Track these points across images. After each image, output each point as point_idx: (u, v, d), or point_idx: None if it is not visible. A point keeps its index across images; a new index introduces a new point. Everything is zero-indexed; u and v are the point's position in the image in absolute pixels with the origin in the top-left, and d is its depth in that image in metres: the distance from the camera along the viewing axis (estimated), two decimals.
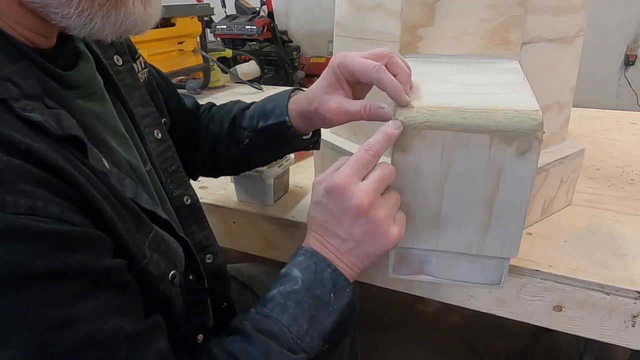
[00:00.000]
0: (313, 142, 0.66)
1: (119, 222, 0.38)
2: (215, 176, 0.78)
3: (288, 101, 0.62)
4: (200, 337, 0.54)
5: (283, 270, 0.50)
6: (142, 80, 0.58)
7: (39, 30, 0.40)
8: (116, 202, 0.39)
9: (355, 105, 0.53)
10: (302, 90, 0.65)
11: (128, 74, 0.55)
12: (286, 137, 0.63)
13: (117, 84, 0.52)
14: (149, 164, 0.53)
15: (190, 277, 0.52)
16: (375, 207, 0.47)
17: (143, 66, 0.60)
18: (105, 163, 0.40)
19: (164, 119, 0.60)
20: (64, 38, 0.44)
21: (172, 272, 0.46)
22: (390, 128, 0.47)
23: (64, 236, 0.33)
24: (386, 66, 0.50)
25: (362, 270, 0.51)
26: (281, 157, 0.71)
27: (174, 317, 0.48)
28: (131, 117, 0.53)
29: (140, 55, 0.60)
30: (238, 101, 0.72)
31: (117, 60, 0.54)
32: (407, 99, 0.48)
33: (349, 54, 0.53)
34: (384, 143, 0.48)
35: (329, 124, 0.57)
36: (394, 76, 0.50)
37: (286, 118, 0.61)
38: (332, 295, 0.48)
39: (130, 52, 0.57)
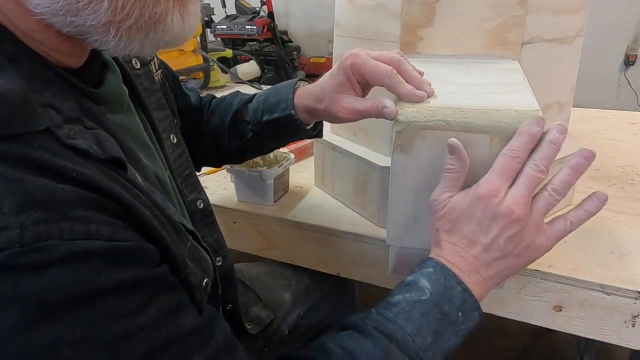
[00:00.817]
0: (316, 132, 0.67)
1: (166, 235, 0.38)
2: (219, 166, 0.79)
3: (293, 94, 0.62)
4: None
5: (409, 278, 0.47)
6: (157, 82, 0.57)
7: (73, 53, 0.40)
8: (161, 216, 0.39)
9: (365, 104, 0.54)
10: (305, 81, 0.65)
11: (145, 78, 0.55)
12: (291, 129, 0.63)
13: (138, 90, 0.52)
14: (167, 170, 0.53)
15: (205, 281, 0.52)
16: (526, 215, 0.45)
17: (157, 67, 0.60)
18: (139, 179, 0.40)
19: (176, 121, 0.60)
20: (92, 52, 0.43)
21: (205, 280, 0.46)
22: (533, 128, 0.45)
23: (118, 252, 0.33)
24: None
25: (492, 288, 0.48)
26: (284, 145, 0.72)
27: None
28: (151, 123, 0.53)
29: (154, 56, 0.59)
30: (238, 93, 0.72)
31: (136, 63, 0.54)
32: (422, 94, 0.49)
33: (361, 55, 0.53)
34: (528, 145, 0.45)
35: (338, 121, 0.58)
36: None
37: (292, 111, 0.61)
38: (459, 314, 0.45)
39: None
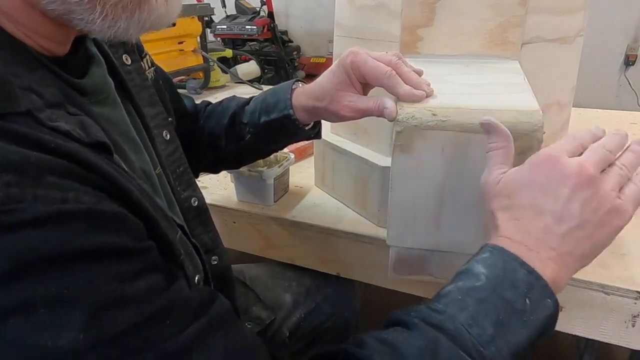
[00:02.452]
0: (315, 132, 0.67)
1: (158, 218, 0.38)
2: (216, 172, 0.78)
3: (291, 94, 0.62)
4: None
5: (463, 267, 0.41)
6: (149, 79, 0.57)
7: (56, 38, 0.39)
8: (152, 201, 0.39)
9: (367, 102, 0.54)
10: (302, 82, 0.65)
11: (137, 74, 0.54)
12: (290, 130, 0.63)
13: (127, 84, 0.51)
14: (159, 166, 0.53)
15: (197, 277, 0.52)
16: (598, 175, 0.39)
17: (150, 65, 0.60)
18: (126, 168, 0.40)
19: (170, 119, 0.60)
20: (77, 42, 0.44)
21: (197, 276, 0.45)
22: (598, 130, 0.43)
23: (102, 217, 0.32)
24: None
25: (577, 269, 0.40)
26: (282, 148, 0.71)
27: None
28: (142, 119, 0.52)
29: (147, 54, 0.59)
30: (234, 97, 0.72)
31: (126, 59, 0.53)
32: (421, 93, 0.49)
33: (360, 54, 0.54)
34: (590, 137, 0.42)
35: (339, 120, 0.58)
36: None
37: (290, 112, 0.61)
38: (526, 301, 0.37)
39: (138, 51, 0.57)
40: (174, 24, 1.43)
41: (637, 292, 0.56)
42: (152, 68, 0.60)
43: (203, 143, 0.71)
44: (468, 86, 0.53)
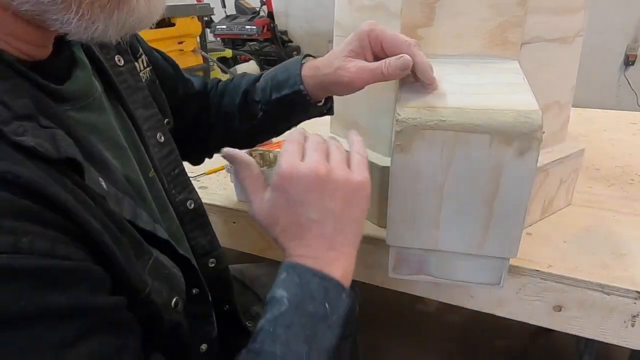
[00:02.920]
0: (327, 108, 0.66)
1: (119, 251, 0.36)
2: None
3: (301, 69, 0.60)
4: (204, 347, 0.54)
5: (268, 294, 0.44)
6: (144, 80, 0.56)
7: (34, 41, 0.38)
8: (115, 230, 0.37)
9: (375, 63, 0.53)
10: (312, 57, 0.64)
11: (130, 75, 0.53)
12: (301, 106, 0.62)
13: (118, 87, 0.50)
14: (152, 170, 0.52)
15: (194, 291, 0.51)
16: (327, 169, 0.44)
17: (145, 65, 0.58)
18: (103, 184, 0.38)
19: (167, 119, 0.59)
20: (60, 45, 0.42)
21: (175, 298, 0.44)
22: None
23: (52, 272, 0.30)
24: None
25: (358, 245, 0.46)
26: (295, 126, 0.69)
27: (182, 343, 0.46)
28: (133, 122, 0.51)
29: (142, 53, 0.58)
30: (245, 74, 0.70)
31: (119, 60, 0.52)
32: (434, 77, 0.50)
33: (379, 25, 0.53)
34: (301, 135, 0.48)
35: (347, 88, 0.56)
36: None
37: (301, 87, 0.59)
38: (326, 306, 0.41)
39: (132, 51, 0.55)
40: (173, 24, 1.43)
41: (637, 292, 0.56)
42: (148, 68, 0.59)
43: (218, 124, 0.70)
44: (468, 86, 0.53)
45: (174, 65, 0.68)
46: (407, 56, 0.50)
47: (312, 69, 0.59)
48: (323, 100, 0.64)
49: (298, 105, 0.61)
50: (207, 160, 0.82)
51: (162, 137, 0.55)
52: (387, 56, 0.53)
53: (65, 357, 0.30)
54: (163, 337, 0.42)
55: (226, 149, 0.49)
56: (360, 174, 0.46)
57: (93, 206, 0.35)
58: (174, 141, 0.58)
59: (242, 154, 0.48)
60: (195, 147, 0.72)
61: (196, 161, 0.76)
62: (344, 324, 0.42)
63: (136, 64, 0.56)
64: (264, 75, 0.66)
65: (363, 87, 0.55)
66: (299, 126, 0.59)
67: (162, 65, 0.65)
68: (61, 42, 0.42)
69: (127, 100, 0.51)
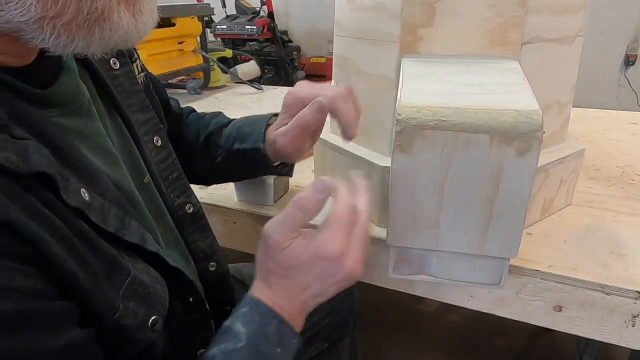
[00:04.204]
0: (287, 170, 0.68)
1: (85, 275, 0.35)
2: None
3: (266, 129, 0.62)
4: (202, 351, 0.54)
5: (226, 323, 0.45)
6: (140, 83, 0.55)
7: (14, 52, 0.37)
8: (85, 250, 0.36)
9: (293, 121, 0.56)
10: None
11: (126, 78, 0.52)
12: (259, 163, 0.63)
13: (112, 92, 0.49)
14: (148, 174, 0.51)
15: (190, 299, 0.51)
16: (360, 270, 0.45)
17: (140, 69, 0.58)
18: (85, 195, 0.37)
19: (162, 125, 0.59)
20: (44, 51, 0.40)
21: (153, 317, 0.43)
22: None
23: (6, 315, 0.29)
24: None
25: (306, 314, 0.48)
26: (253, 178, 0.72)
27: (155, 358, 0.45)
28: (129, 126, 0.50)
29: (137, 58, 0.58)
30: (218, 114, 0.72)
31: (114, 64, 0.51)
32: (356, 132, 0.52)
33: (297, 86, 0.56)
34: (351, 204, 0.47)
35: (286, 153, 0.59)
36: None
37: (261, 145, 0.61)
38: (278, 350, 0.43)
39: (128, 54, 0.55)
40: (173, 24, 1.43)
41: (637, 292, 0.56)
42: (143, 73, 0.58)
43: (180, 151, 0.68)
44: (468, 86, 0.53)
45: (159, 86, 0.68)
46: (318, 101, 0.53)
47: (269, 138, 0.61)
48: (281, 164, 0.65)
49: (255, 161, 0.63)
50: None
51: (160, 141, 0.55)
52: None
53: None
54: (133, 357, 0.41)
55: (325, 179, 0.47)
56: (359, 269, 0.46)
57: (60, 227, 0.34)
58: (170, 144, 0.58)
59: (334, 186, 0.47)
60: None
61: None
62: None
63: (132, 67, 0.55)
64: (233, 122, 0.68)
65: (301, 147, 0.58)
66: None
67: (153, 80, 0.65)
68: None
69: (122, 104, 0.50)
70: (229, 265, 0.65)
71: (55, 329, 0.33)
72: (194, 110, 0.74)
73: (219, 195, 0.82)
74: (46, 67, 0.40)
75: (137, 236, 0.42)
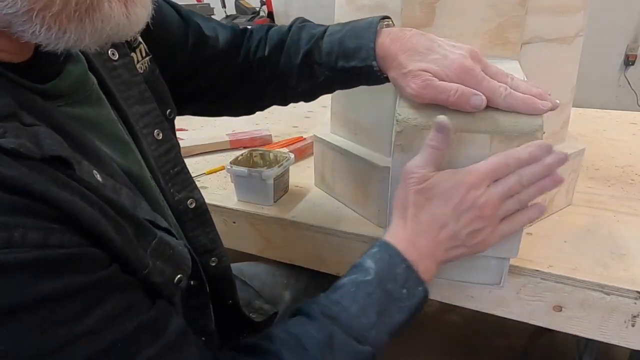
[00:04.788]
0: None
1: (117, 234, 0.37)
2: (285, 104, 0.71)
3: (375, 42, 0.53)
4: (202, 340, 0.54)
5: (357, 261, 0.48)
6: (142, 71, 0.54)
7: (10, 49, 0.37)
8: (114, 214, 0.37)
9: (443, 84, 0.48)
10: (388, 20, 0.57)
11: (125, 69, 0.51)
12: (370, 79, 0.56)
13: (108, 85, 0.49)
14: (145, 168, 0.51)
15: (192, 282, 0.51)
16: (492, 215, 0.47)
17: (144, 54, 0.55)
18: (98, 176, 0.38)
19: (169, 110, 0.57)
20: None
21: (179, 276, 0.44)
22: (531, 149, 0.46)
23: (48, 262, 0.31)
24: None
25: (439, 269, 0.50)
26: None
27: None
28: (125, 120, 0.50)
29: (140, 42, 0.55)
30: (305, 25, 0.63)
31: (113, 54, 0.50)
32: (547, 104, 0.47)
33: (476, 71, 0.49)
34: (524, 162, 0.46)
35: (407, 96, 0.51)
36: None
37: (374, 63, 0.53)
38: (404, 291, 0.46)
39: (128, 42, 0.53)
40: None
41: (637, 292, 0.56)
42: (147, 57, 0.56)
43: (272, 79, 0.65)
44: None
45: (187, 19, 0.63)
46: (482, 98, 0.47)
47: (385, 50, 0.53)
48: None
49: (366, 76, 0.56)
50: (207, 160, 0.82)
51: (161, 134, 0.54)
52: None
53: (78, 327, 0.32)
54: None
55: (443, 118, 0.45)
56: (496, 240, 0.49)
57: (87, 194, 0.35)
58: (174, 136, 0.57)
59: (450, 131, 0.46)
60: (240, 101, 0.70)
61: (243, 113, 0.74)
62: (412, 312, 0.47)
63: (134, 54, 0.53)
64: (328, 32, 0.59)
65: (426, 102, 0.50)
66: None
67: (170, 21, 0.61)
68: None
69: (119, 96, 0.49)
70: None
71: (99, 267, 0.35)
72: (271, 27, 0.66)
73: (219, 195, 0.82)
74: (48, 61, 0.40)
75: (149, 214, 0.43)
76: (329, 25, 0.60)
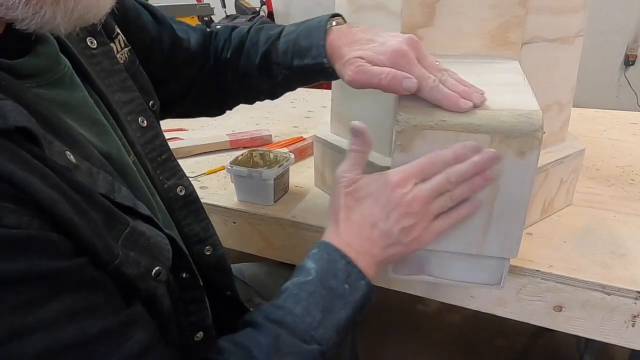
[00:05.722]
0: None
1: (81, 221, 0.35)
2: (251, 103, 0.74)
3: (325, 39, 0.56)
4: (199, 335, 0.53)
5: (299, 264, 0.49)
6: (122, 62, 0.54)
7: None
8: (80, 199, 0.36)
9: (376, 69, 0.50)
10: (339, 17, 0.60)
11: (105, 57, 0.51)
12: (323, 75, 0.59)
13: (88, 70, 0.48)
14: (132, 154, 0.50)
15: (184, 275, 0.50)
16: (423, 211, 0.48)
17: (123, 45, 0.56)
18: (71, 157, 0.37)
19: (151, 102, 0.57)
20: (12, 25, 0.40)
21: (156, 268, 0.42)
22: (461, 148, 0.47)
23: (5, 240, 0.30)
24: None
25: (380, 269, 0.51)
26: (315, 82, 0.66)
27: (161, 316, 0.45)
28: (108, 106, 0.49)
29: (118, 33, 0.55)
30: (264, 26, 0.66)
31: (91, 43, 0.50)
32: (468, 104, 0.47)
33: (410, 56, 0.49)
34: (451, 161, 0.47)
35: (345, 78, 0.53)
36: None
37: (324, 60, 0.56)
38: (346, 286, 0.47)
39: (106, 32, 0.53)
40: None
41: (637, 292, 0.56)
42: (127, 48, 0.56)
43: (235, 80, 0.67)
44: None
45: (160, 19, 0.64)
46: (414, 81, 0.48)
47: (333, 47, 0.55)
48: None
49: (319, 73, 0.58)
50: (207, 160, 0.82)
51: (145, 122, 0.53)
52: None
53: (31, 317, 0.31)
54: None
55: (357, 123, 0.50)
56: (431, 237, 0.50)
57: (51, 176, 0.34)
58: (159, 125, 0.56)
59: (367, 133, 0.50)
60: (211, 102, 0.71)
61: (216, 114, 0.76)
62: (358, 307, 0.47)
63: (113, 45, 0.53)
64: (284, 33, 0.62)
65: (362, 88, 0.53)
66: None
67: (144, 21, 0.62)
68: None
69: (99, 83, 0.49)
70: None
71: (59, 254, 0.33)
72: (233, 29, 0.69)
73: (219, 195, 0.82)
74: (18, 39, 0.39)
75: (128, 200, 0.42)
76: (285, 26, 0.63)
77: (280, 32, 0.62)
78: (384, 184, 0.48)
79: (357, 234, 0.49)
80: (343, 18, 0.60)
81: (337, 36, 0.56)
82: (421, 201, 0.47)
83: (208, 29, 0.70)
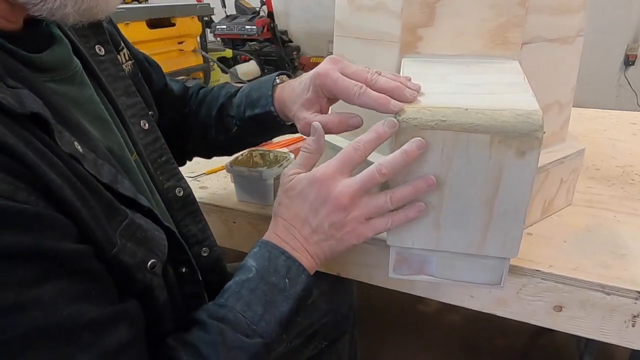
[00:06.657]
0: None
1: (83, 208, 0.36)
2: (209, 157, 0.80)
3: (273, 90, 0.62)
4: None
5: (240, 263, 0.51)
6: (126, 71, 0.57)
7: (3, 13, 0.39)
8: (82, 187, 0.37)
9: (323, 117, 0.55)
10: (287, 75, 0.66)
11: (111, 64, 0.54)
12: (273, 125, 0.64)
13: (97, 72, 0.51)
14: (135, 153, 0.52)
15: (183, 269, 0.52)
16: (353, 204, 0.48)
17: (127, 58, 0.59)
18: (79, 147, 0.39)
19: (151, 112, 0.59)
20: (34, 21, 0.43)
21: (152, 260, 0.44)
22: (382, 127, 0.48)
23: (15, 213, 0.31)
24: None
25: (323, 262, 0.52)
26: (271, 139, 0.74)
27: (156, 309, 0.47)
28: (114, 106, 0.52)
29: (124, 47, 0.60)
30: (225, 85, 0.72)
31: (99, 50, 0.53)
32: (398, 105, 0.48)
33: (331, 75, 0.53)
34: (374, 142, 0.48)
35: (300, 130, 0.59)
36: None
37: (271, 109, 0.61)
38: (286, 281, 0.48)
39: (113, 44, 0.56)
40: (173, 24, 1.44)
41: (637, 292, 0.56)
42: (130, 62, 0.60)
43: (195, 129, 0.72)
44: (468, 86, 0.53)
45: (154, 65, 0.69)
46: (358, 119, 0.52)
47: (279, 100, 0.61)
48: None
49: (269, 123, 0.63)
50: (206, 160, 0.82)
51: (147, 125, 0.56)
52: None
53: (29, 293, 0.31)
54: (136, 297, 0.43)
55: (317, 125, 0.51)
56: (370, 232, 0.50)
57: (57, 163, 0.36)
58: (158, 130, 0.58)
59: (322, 137, 0.52)
60: (174, 149, 0.73)
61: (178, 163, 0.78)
62: (299, 299, 0.49)
63: (119, 56, 0.56)
64: (241, 89, 0.68)
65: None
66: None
67: (140, 62, 0.66)
68: (35, 20, 0.43)
69: (108, 86, 0.52)
70: (228, 264, 0.65)
71: (65, 236, 0.35)
72: (203, 86, 0.75)
73: (219, 195, 0.82)
74: (36, 35, 0.43)
75: (130, 192, 0.44)
76: (242, 86, 0.69)
77: (238, 90, 0.69)
78: (312, 181, 0.49)
79: (290, 232, 0.50)
80: (289, 76, 0.66)
81: (282, 88, 0.62)
82: (349, 195, 0.48)
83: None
